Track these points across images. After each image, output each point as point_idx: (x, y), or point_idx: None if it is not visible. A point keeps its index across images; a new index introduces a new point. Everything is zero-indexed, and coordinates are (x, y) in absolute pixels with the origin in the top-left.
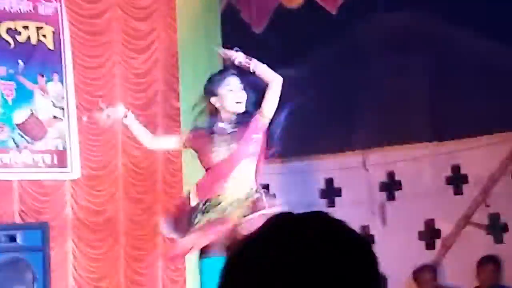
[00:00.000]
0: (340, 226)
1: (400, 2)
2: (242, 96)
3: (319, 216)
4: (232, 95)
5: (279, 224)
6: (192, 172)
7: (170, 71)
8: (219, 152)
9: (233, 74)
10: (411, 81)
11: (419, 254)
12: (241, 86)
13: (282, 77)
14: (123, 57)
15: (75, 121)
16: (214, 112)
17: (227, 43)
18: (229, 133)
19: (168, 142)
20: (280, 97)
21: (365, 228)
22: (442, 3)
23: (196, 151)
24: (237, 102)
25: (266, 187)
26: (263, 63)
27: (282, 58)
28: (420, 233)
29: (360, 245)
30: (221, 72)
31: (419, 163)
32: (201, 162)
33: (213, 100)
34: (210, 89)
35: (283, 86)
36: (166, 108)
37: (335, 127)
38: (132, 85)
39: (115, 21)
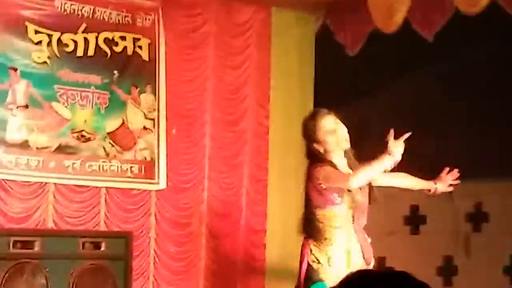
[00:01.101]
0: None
1: (497, 33)
2: (343, 131)
3: (402, 276)
4: (332, 137)
5: (360, 281)
6: (277, 191)
7: (262, 89)
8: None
9: (325, 113)
10: (504, 114)
11: None
12: (337, 121)
13: (373, 100)
14: (216, 72)
15: (164, 133)
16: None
17: (320, 64)
18: None
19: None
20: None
21: (448, 258)
22: None
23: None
24: (340, 141)
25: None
26: (356, 86)
27: (374, 82)
28: (505, 268)
29: None
30: (313, 116)
31: (507, 197)
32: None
33: (316, 146)
34: (308, 136)
35: (374, 109)
36: (256, 125)
37: (424, 153)
38: (223, 101)
39: (211, 36)
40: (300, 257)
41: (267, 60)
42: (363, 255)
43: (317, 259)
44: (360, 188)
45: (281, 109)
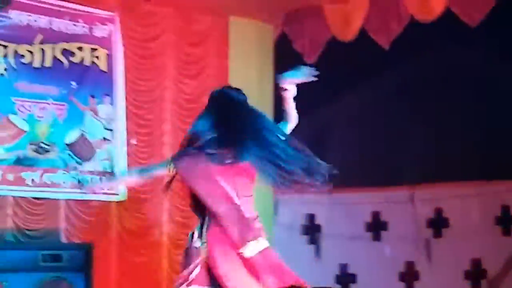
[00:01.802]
0: None
1: (452, 39)
2: None
3: None
4: None
5: None
6: None
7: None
8: None
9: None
10: (463, 119)
11: None
12: None
13: (331, 108)
14: (174, 82)
15: (124, 143)
16: None
17: (279, 73)
18: None
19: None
20: (328, 128)
21: (410, 264)
22: (494, 41)
23: None
24: None
25: (312, 217)
26: (315, 94)
27: (333, 90)
28: (466, 272)
29: None
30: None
31: (468, 201)
32: None
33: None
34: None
35: (333, 116)
36: None
37: (384, 161)
38: (182, 110)
39: (169, 45)
40: None
41: (226, 69)
42: None
43: None
44: None
45: None
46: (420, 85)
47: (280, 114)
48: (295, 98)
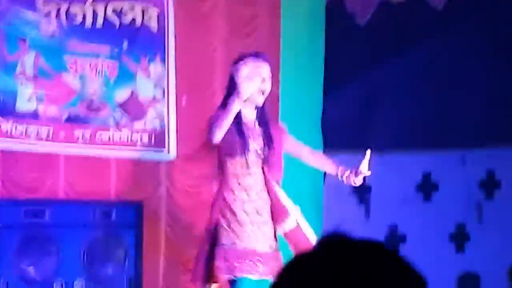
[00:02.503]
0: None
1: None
2: (268, 86)
3: (377, 247)
4: (257, 84)
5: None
6: (288, 160)
7: (271, 57)
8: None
9: (264, 59)
10: None
11: None
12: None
13: (384, 70)
14: (225, 42)
15: (174, 102)
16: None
17: (330, 33)
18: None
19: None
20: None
21: (460, 225)
22: None
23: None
24: (262, 93)
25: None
26: (366, 55)
27: (384, 52)
28: None
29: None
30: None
31: None
32: (226, 151)
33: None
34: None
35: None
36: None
37: (436, 122)
38: None
39: (220, 5)
40: None
41: (277, 30)
42: None
43: None
44: None
45: (291, 78)
46: (475, 47)
47: (331, 77)
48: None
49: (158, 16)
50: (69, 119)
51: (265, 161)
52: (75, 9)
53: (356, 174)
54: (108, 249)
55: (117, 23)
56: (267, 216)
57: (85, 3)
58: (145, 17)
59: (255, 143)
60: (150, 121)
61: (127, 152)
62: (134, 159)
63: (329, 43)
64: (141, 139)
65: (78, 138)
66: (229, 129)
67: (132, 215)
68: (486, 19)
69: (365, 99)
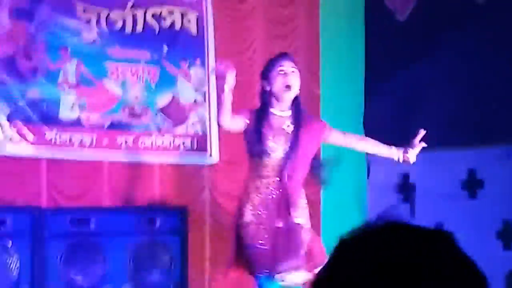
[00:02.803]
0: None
1: None
2: (294, 80)
3: (442, 236)
4: (279, 79)
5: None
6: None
7: (312, 58)
8: (274, 147)
9: (285, 56)
10: None
11: None
12: (295, 70)
13: (426, 65)
14: (265, 43)
15: (215, 106)
16: (265, 97)
17: (370, 30)
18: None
19: (237, 123)
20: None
21: (507, 222)
22: None
23: (246, 135)
24: (286, 86)
25: (406, 175)
26: (407, 52)
27: (425, 48)
28: None
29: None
30: (276, 56)
31: None
32: (250, 148)
33: (264, 84)
34: (263, 74)
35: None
36: (307, 94)
37: (480, 118)
38: None
39: (258, 6)
40: None
41: (316, 28)
42: None
43: None
44: None
45: (332, 76)
46: None
47: (371, 74)
48: (390, 56)
49: (197, 19)
50: (112, 126)
51: (285, 166)
52: (115, 15)
53: (406, 152)
54: (154, 255)
55: (156, 28)
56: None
57: (124, 9)
58: (184, 21)
59: (277, 145)
60: (192, 125)
61: (170, 157)
62: (177, 164)
63: (369, 40)
64: (183, 144)
65: (121, 145)
66: (251, 129)
67: (176, 220)
68: None
69: (407, 96)
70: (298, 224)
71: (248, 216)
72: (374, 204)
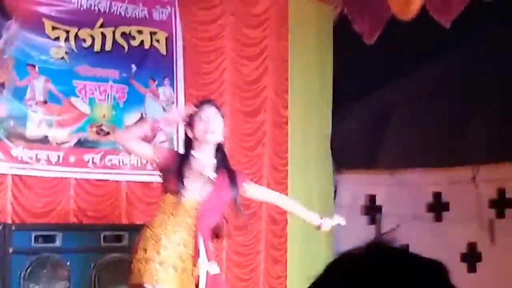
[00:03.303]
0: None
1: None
2: (216, 126)
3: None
4: (200, 124)
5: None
6: (297, 181)
7: (280, 80)
8: (193, 188)
9: (208, 102)
10: None
11: None
12: (218, 116)
13: (393, 88)
14: (234, 64)
15: (183, 125)
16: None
17: (338, 53)
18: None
19: (141, 146)
20: (390, 108)
21: (472, 245)
22: None
23: (163, 172)
24: (208, 132)
25: (372, 197)
26: (376, 75)
27: (393, 70)
28: None
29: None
30: (200, 103)
31: None
32: (166, 185)
33: (186, 129)
34: (188, 119)
35: (395, 97)
36: (275, 116)
37: (445, 141)
38: (241, 92)
39: (228, 27)
40: None
41: (285, 50)
42: None
43: None
44: None
45: (300, 99)
46: (483, 65)
47: (340, 95)
48: (358, 79)
49: (166, 39)
50: (79, 143)
51: (201, 210)
52: (84, 33)
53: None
54: (119, 273)
55: (125, 47)
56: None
57: (93, 28)
58: (153, 40)
59: (193, 188)
60: (159, 144)
61: (137, 176)
62: (144, 182)
63: (337, 63)
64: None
65: (88, 162)
66: (172, 169)
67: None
68: (492, 35)
69: (374, 118)
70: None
71: (150, 252)
72: (340, 225)
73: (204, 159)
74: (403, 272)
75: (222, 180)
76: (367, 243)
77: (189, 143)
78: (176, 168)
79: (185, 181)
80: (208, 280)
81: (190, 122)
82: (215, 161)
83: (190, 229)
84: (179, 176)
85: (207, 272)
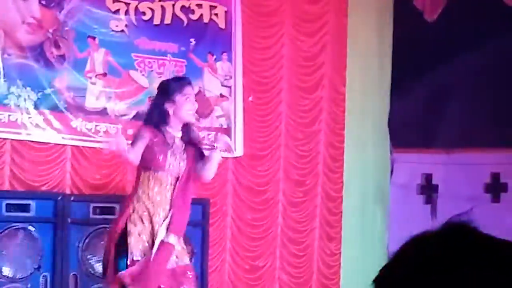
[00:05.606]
0: None
1: None
2: (196, 107)
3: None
4: (188, 105)
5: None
6: (354, 158)
7: (338, 56)
8: (171, 163)
9: (190, 83)
10: None
11: None
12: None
13: (452, 67)
14: (292, 39)
15: (241, 100)
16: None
17: (398, 30)
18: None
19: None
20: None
21: None
22: None
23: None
24: (190, 112)
25: (429, 176)
26: (436, 52)
27: (453, 49)
28: None
29: None
30: (178, 79)
31: None
32: (145, 161)
33: (167, 105)
34: (166, 94)
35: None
36: (332, 92)
37: (504, 120)
38: (299, 68)
39: (287, 3)
40: None
41: (344, 27)
42: None
43: None
44: None
45: (358, 76)
46: None
47: (399, 73)
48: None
49: (225, 13)
50: (137, 116)
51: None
52: (144, 6)
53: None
54: None
55: (185, 20)
56: None
57: (153, 1)
58: (212, 14)
59: (172, 161)
60: (216, 118)
61: None
62: None
63: (397, 40)
64: (207, 137)
65: None
66: (148, 145)
67: (198, 212)
68: None
69: (433, 96)
70: (170, 244)
71: (130, 225)
72: (396, 206)
73: (176, 134)
74: (491, 254)
75: (191, 150)
76: (445, 224)
77: (165, 116)
78: (153, 144)
79: (163, 156)
80: (160, 248)
81: (170, 98)
82: (181, 134)
83: (167, 202)
84: (158, 151)
85: (162, 241)
